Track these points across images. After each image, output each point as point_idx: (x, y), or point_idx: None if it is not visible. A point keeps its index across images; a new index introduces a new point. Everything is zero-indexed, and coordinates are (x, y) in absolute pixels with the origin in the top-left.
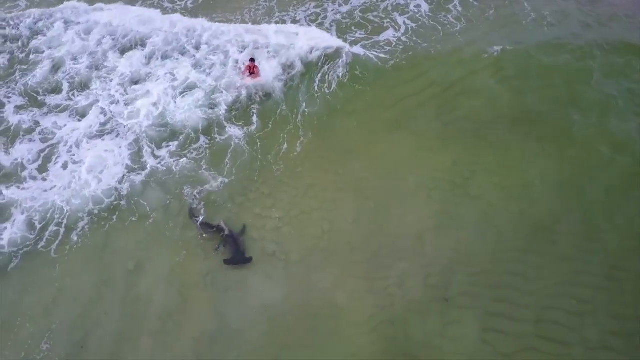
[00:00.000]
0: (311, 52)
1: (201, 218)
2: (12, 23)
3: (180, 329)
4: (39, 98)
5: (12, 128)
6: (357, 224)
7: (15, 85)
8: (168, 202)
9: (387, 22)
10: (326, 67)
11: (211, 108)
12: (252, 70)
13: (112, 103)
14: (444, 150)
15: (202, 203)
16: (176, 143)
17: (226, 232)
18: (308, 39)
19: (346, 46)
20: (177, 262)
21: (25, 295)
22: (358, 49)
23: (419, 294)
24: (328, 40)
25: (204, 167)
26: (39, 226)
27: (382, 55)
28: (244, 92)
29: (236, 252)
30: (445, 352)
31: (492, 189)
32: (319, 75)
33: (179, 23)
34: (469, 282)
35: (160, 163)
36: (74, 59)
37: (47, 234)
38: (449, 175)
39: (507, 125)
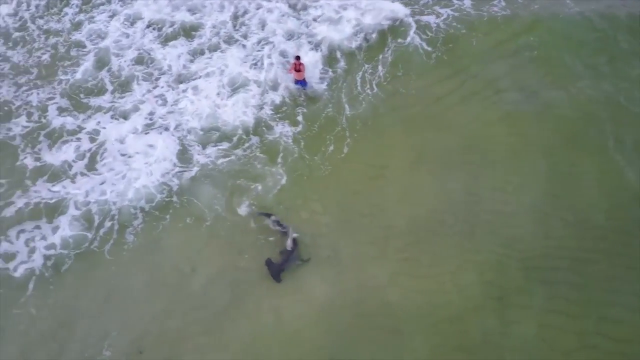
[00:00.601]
0: (355, 36)
1: (273, 217)
2: (54, 17)
3: (236, 327)
4: (82, 99)
5: (57, 130)
6: (404, 224)
7: (58, 85)
8: (219, 200)
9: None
10: (367, 65)
11: (259, 108)
12: (298, 67)
13: (158, 103)
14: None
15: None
16: (226, 142)
17: (289, 245)
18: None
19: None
20: (231, 261)
21: (81, 294)
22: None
23: (475, 292)
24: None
25: (257, 166)
26: (92, 224)
27: (425, 48)
28: (288, 93)
29: (279, 265)
30: (504, 349)
31: (543, 191)
32: (360, 73)
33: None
34: (524, 279)
35: (209, 161)
36: (118, 53)
37: (100, 232)
38: (496, 179)
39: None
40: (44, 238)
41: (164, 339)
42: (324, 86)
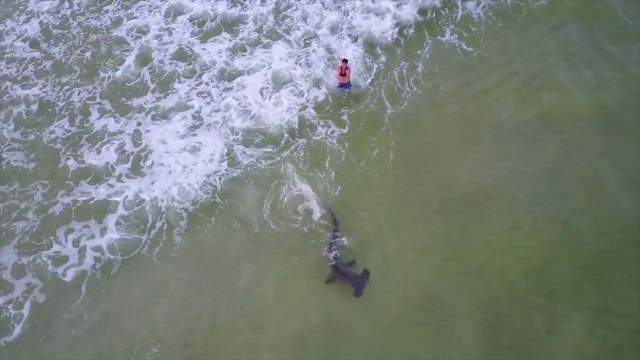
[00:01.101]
0: (393, 29)
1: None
2: (94, 14)
3: (284, 326)
4: (124, 100)
5: (99, 132)
6: (446, 220)
7: (99, 84)
8: (263, 202)
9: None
10: (404, 62)
11: (304, 107)
12: (344, 72)
13: (201, 101)
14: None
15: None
16: (271, 145)
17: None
18: None
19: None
20: (278, 261)
21: (129, 292)
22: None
23: (522, 289)
24: None
25: (303, 170)
26: (140, 225)
27: (463, 46)
28: (332, 93)
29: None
30: (554, 346)
31: (585, 185)
32: (398, 69)
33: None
34: (572, 277)
35: (253, 162)
36: (159, 49)
37: (150, 234)
38: (539, 170)
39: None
40: (92, 237)
41: (211, 335)
42: (366, 83)
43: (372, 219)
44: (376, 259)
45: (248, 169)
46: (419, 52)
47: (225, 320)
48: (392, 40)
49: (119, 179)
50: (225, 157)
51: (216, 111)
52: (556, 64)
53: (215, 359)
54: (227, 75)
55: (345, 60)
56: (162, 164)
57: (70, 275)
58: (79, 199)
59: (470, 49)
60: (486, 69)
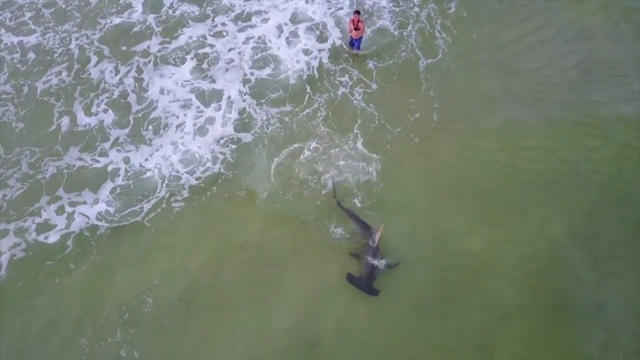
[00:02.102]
0: None
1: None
2: None
3: (298, 281)
4: (125, 47)
5: (96, 84)
6: (485, 171)
7: (101, 31)
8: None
9: None
10: (433, 4)
11: (322, 55)
12: (357, 25)
13: (216, 42)
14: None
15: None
16: (291, 103)
17: (374, 244)
18: None
19: None
20: (289, 224)
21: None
22: None
23: (565, 243)
24: None
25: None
26: (137, 194)
27: None
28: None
29: (368, 279)
30: (604, 304)
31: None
32: (426, 12)
33: None
34: (620, 230)
35: (270, 122)
36: None
37: (147, 201)
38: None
39: None
40: (84, 204)
41: (214, 290)
42: (392, 27)
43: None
44: (398, 208)
45: (261, 130)
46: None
47: (229, 276)
48: None
49: (116, 144)
50: (236, 116)
51: (230, 50)
52: (591, 14)
53: (217, 315)
54: (244, 17)
55: (357, 12)
56: (165, 126)
57: (54, 238)
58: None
59: None
60: (516, 18)
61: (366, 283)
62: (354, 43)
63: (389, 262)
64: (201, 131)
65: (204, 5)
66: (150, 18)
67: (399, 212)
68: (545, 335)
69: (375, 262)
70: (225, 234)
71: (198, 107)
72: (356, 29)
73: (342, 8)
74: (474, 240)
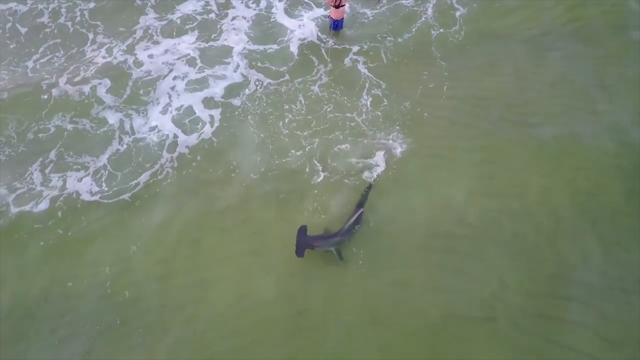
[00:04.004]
0: None
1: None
2: None
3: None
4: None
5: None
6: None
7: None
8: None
9: None
10: None
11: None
12: (338, 2)
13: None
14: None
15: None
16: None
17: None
18: None
19: None
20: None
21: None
22: None
23: (566, 213)
24: None
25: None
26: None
27: None
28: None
29: (305, 240)
30: (609, 276)
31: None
32: None
33: None
34: (624, 201)
35: (268, 89)
36: None
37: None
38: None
39: None
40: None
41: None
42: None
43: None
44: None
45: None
46: None
47: (211, 243)
48: None
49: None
50: (232, 80)
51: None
52: None
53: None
54: None
55: None
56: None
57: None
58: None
59: None
60: None
61: (304, 243)
62: (337, 25)
63: (338, 247)
64: (194, 92)
65: None
66: None
67: (395, 183)
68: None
69: (333, 237)
70: (208, 201)
71: (191, 70)
72: (337, 7)
73: None
74: (472, 209)
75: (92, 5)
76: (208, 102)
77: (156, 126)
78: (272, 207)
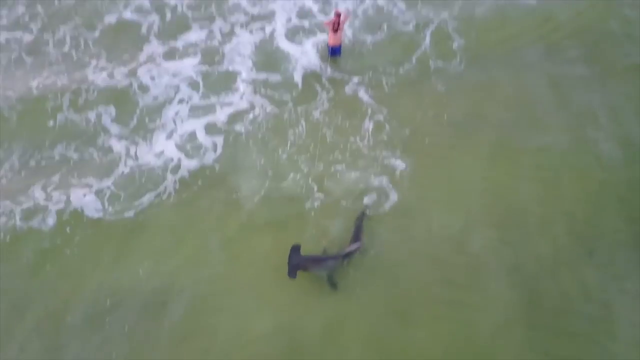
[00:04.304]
0: None
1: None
2: None
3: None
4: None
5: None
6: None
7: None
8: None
9: None
10: None
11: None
12: (336, 27)
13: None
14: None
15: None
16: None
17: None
18: None
19: None
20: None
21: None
22: None
23: (566, 243)
24: None
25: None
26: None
27: None
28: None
29: (298, 261)
30: (613, 306)
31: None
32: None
33: None
34: (623, 231)
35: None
36: None
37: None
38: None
39: None
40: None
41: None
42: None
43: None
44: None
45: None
46: None
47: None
48: None
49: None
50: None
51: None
52: None
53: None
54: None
55: (338, 14)
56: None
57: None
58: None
59: None
60: None
61: (294, 262)
62: (335, 51)
63: (331, 274)
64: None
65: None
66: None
67: (394, 210)
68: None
69: (327, 260)
70: (205, 232)
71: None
72: (335, 30)
73: None
74: (472, 238)
75: (96, 34)
76: (211, 128)
77: (162, 151)
78: (271, 234)
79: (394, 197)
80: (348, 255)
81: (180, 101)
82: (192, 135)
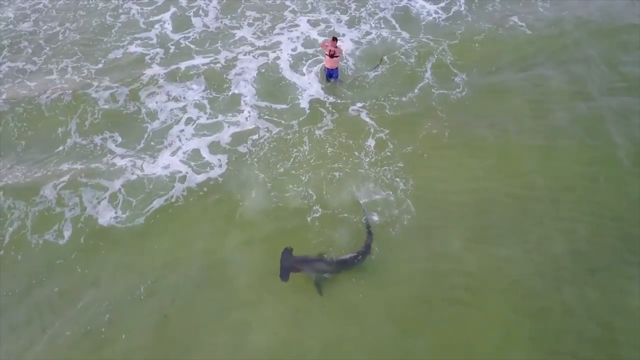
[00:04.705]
0: None
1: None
2: None
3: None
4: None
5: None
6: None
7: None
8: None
9: None
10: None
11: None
12: (333, 51)
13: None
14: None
15: None
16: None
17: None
18: None
19: None
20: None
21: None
22: None
23: (567, 262)
24: None
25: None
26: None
27: None
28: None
29: (290, 264)
30: (615, 327)
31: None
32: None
33: None
34: (624, 249)
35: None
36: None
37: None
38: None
39: None
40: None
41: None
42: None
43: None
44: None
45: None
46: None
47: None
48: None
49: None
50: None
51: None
52: None
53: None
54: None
55: (335, 39)
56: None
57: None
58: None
59: None
60: None
61: (287, 265)
62: (331, 74)
63: (320, 277)
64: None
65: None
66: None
67: (394, 228)
68: None
69: (319, 261)
70: (202, 249)
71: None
72: (331, 55)
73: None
74: (472, 257)
75: (100, 66)
76: (215, 147)
77: (168, 165)
78: (272, 246)
79: (395, 212)
80: (344, 263)
81: (188, 121)
82: (197, 154)
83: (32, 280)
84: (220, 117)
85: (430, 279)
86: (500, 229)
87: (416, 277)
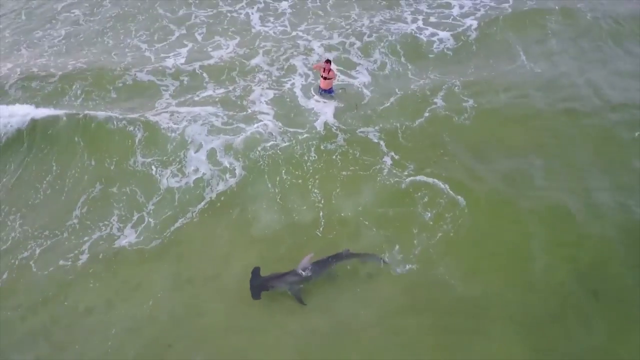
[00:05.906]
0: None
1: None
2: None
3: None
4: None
5: None
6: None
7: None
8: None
9: None
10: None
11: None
12: (326, 74)
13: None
14: None
15: None
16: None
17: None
18: None
19: None
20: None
21: None
22: None
23: (573, 288)
24: None
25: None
26: None
27: None
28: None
29: (261, 282)
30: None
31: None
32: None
33: None
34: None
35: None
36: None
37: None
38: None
39: None
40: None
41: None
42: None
43: None
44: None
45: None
46: None
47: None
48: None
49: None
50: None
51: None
52: None
53: None
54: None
55: (328, 61)
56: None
57: None
58: None
59: None
60: None
61: (256, 284)
62: (325, 92)
63: (296, 289)
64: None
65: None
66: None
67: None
68: None
69: (287, 275)
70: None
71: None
72: (325, 78)
73: None
74: (474, 284)
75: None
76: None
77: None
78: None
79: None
80: (313, 269)
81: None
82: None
83: None
84: (234, 125)
85: (431, 305)
86: (503, 256)
87: (416, 303)
